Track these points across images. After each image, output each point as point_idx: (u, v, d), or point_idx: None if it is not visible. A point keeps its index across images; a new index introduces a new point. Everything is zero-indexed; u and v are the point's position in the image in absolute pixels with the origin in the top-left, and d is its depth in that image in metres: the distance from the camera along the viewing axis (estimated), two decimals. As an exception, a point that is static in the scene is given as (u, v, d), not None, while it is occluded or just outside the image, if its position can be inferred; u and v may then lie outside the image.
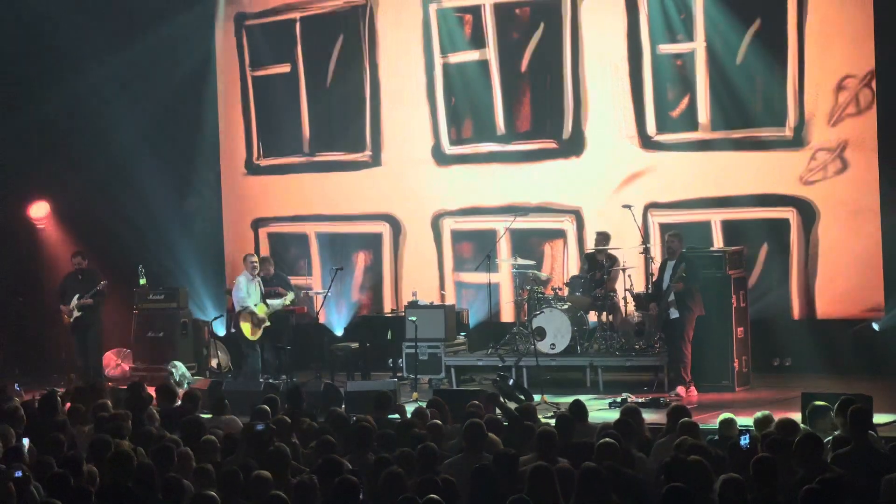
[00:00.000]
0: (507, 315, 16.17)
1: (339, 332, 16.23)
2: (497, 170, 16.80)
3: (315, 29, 17.73)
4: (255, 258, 15.73)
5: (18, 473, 7.70)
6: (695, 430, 8.86)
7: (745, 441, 8.00)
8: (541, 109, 16.61)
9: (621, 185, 16.10)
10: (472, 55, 16.86)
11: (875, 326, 14.78)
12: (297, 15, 17.84)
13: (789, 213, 15.38)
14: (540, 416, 10.86)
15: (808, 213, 15.26)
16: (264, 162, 18.16)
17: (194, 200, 18.04)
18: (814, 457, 7.66)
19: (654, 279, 14.36)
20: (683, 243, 13.93)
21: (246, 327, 15.32)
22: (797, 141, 15.30)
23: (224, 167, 18.34)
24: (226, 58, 18.21)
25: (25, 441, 10.00)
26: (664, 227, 15.55)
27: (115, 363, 16.96)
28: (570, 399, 13.15)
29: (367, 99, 17.46)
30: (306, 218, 17.88)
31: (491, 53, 16.73)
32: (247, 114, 18.19)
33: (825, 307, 15.22)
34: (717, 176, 15.70)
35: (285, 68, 17.93)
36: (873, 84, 14.87)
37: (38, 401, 11.21)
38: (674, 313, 13.62)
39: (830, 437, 8.78)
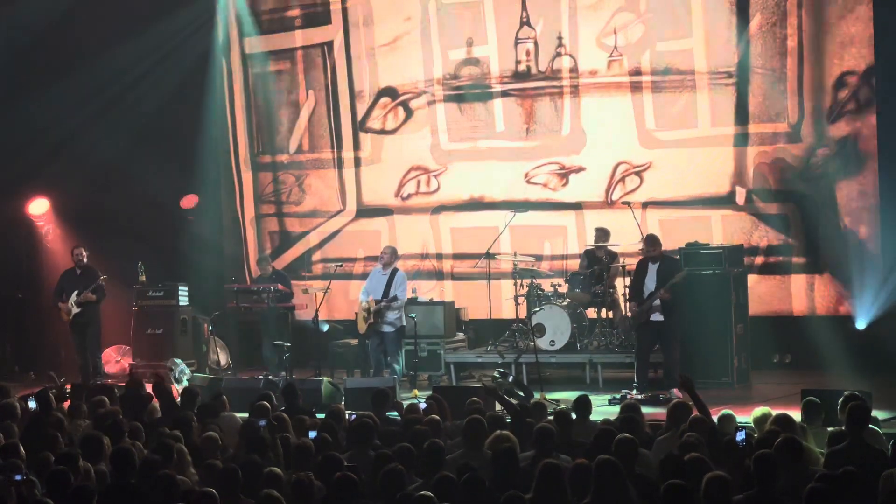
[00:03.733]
0: (507, 312, 16.15)
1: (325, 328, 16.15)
2: (497, 166, 16.80)
3: (315, 25, 17.75)
4: (387, 250, 15.15)
5: (19, 477, 7.63)
6: (702, 426, 8.84)
7: (741, 438, 7.98)
8: (541, 106, 16.60)
9: (620, 182, 16.10)
10: (471, 51, 16.87)
11: (859, 325, 14.80)
12: (297, 12, 17.87)
13: (789, 210, 15.37)
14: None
15: (807, 209, 15.24)
16: (265, 158, 18.17)
17: (193, 197, 18.03)
18: (795, 459, 7.64)
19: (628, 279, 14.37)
20: (659, 246, 13.76)
21: (358, 321, 15.11)
22: (796, 137, 15.30)
23: (224, 163, 18.34)
24: (227, 54, 18.21)
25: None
26: (664, 224, 15.55)
27: (114, 360, 16.95)
28: (567, 395, 13.35)
29: (366, 95, 17.47)
30: (306, 214, 17.90)
31: (491, 49, 16.76)
32: (248, 110, 18.19)
33: (825, 303, 15.21)
34: (717, 172, 15.70)
35: (286, 65, 17.95)
36: (873, 81, 14.86)
37: (35, 398, 11.19)
38: (657, 316, 13.59)
39: (827, 434, 8.78)
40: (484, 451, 8.43)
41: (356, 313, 15.20)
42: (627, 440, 7.97)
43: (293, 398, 11.12)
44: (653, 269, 13.67)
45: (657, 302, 13.50)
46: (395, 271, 14.89)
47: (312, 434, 9.36)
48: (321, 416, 10.52)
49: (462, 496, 7.20)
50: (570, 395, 13.38)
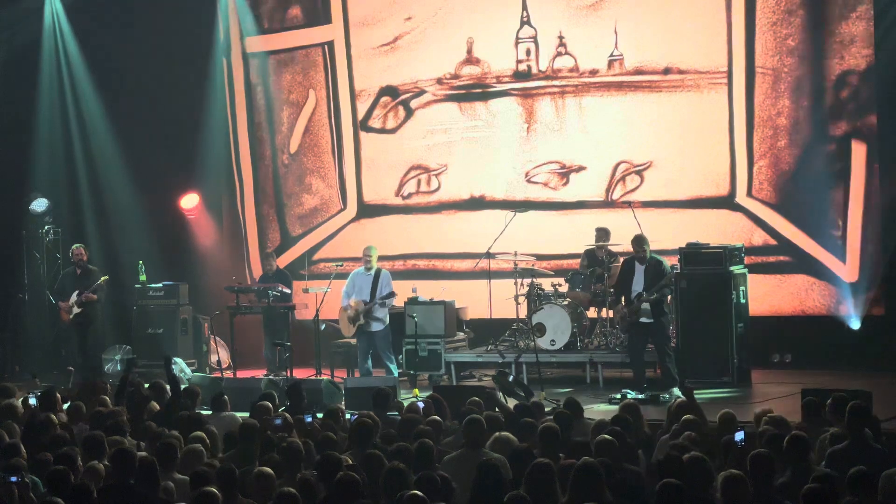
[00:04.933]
0: (508, 311, 16.14)
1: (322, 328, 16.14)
2: (497, 165, 16.81)
3: (315, 24, 17.79)
4: (368, 251, 15.14)
5: (14, 479, 7.59)
6: (696, 427, 8.87)
7: (740, 437, 7.99)
8: (542, 105, 16.61)
9: (621, 181, 16.11)
10: (472, 50, 16.90)
11: (853, 326, 14.81)
12: (297, 11, 17.89)
13: (789, 210, 15.36)
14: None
15: (807, 209, 15.23)
16: (266, 158, 18.17)
17: (193, 197, 18.01)
18: (801, 457, 7.68)
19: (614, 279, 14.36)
20: (646, 247, 13.70)
21: (342, 324, 15.19)
22: (796, 137, 15.30)
23: (225, 162, 18.35)
24: (227, 54, 18.21)
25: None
26: (664, 223, 15.55)
27: (114, 360, 16.94)
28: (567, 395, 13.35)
29: (367, 95, 17.48)
30: (307, 213, 17.91)
31: (491, 48, 16.80)
32: (248, 109, 18.19)
33: (825, 303, 15.21)
34: (717, 171, 15.71)
35: (286, 65, 17.98)
36: (874, 81, 14.86)
37: (38, 398, 11.20)
38: (645, 318, 13.57)
39: (828, 434, 8.78)
40: (486, 451, 8.43)
41: (342, 317, 15.20)
42: (606, 442, 7.99)
43: (298, 398, 11.11)
44: (640, 269, 13.67)
45: (645, 305, 13.50)
46: (379, 271, 14.99)
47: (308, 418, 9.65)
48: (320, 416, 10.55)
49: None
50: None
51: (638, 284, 13.59)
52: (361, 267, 15.15)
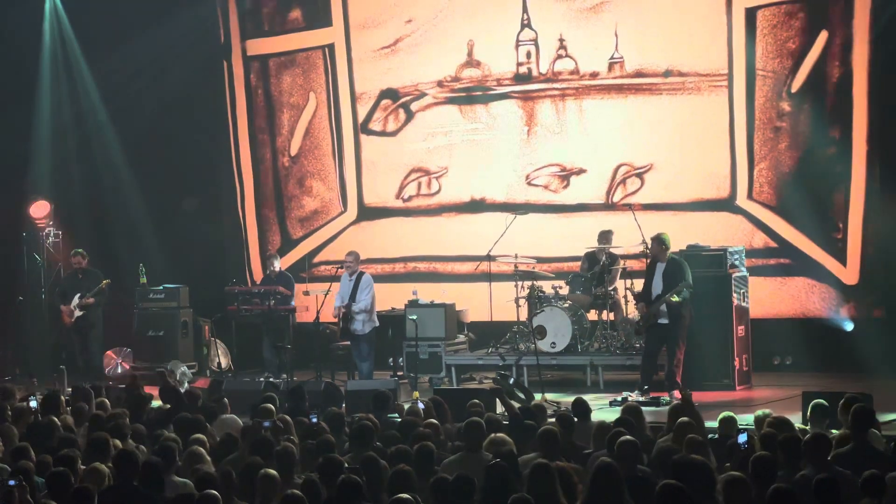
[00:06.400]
0: (508, 314, 16.15)
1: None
2: (497, 168, 16.81)
3: (316, 27, 17.80)
4: (350, 256, 15.23)
5: (12, 482, 7.57)
6: (693, 429, 8.87)
7: (743, 440, 8.00)
8: (542, 108, 16.61)
9: (621, 184, 16.12)
10: (472, 53, 16.90)
11: (847, 327, 14.82)
12: (298, 14, 17.90)
13: (790, 212, 15.36)
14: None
15: (808, 211, 15.23)
16: (266, 160, 18.17)
17: (194, 199, 18.01)
18: (821, 457, 7.70)
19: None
20: (665, 247, 13.65)
21: (339, 328, 15.25)
22: (797, 139, 15.30)
23: (226, 165, 18.35)
24: (228, 56, 18.22)
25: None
26: (664, 226, 15.53)
27: (115, 362, 16.94)
28: (570, 398, 13.34)
29: (367, 97, 17.49)
30: (308, 216, 17.90)
31: (491, 51, 16.81)
32: (249, 112, 18.19)
33: (825, 306, 15.21)
34: (718, 174, 15.70)
35: (287, 67, 17.98)
36: (873, 82, 14.86)
37: (40, 400, 11.21)
38: (663, 319, 13.54)
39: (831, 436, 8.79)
40: (483, 453, 8.44)
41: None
42: (629, 442, 7.98)
43: (300, 401, 11.11)
44: (660, 269, 13.60)
45: (663, 306, 13.45)
46: (360, 276, 15.07)
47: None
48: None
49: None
50: (570, 398, 13.40)
51: (658, 285, 13.51)
52: (346, 272, 15.18)
